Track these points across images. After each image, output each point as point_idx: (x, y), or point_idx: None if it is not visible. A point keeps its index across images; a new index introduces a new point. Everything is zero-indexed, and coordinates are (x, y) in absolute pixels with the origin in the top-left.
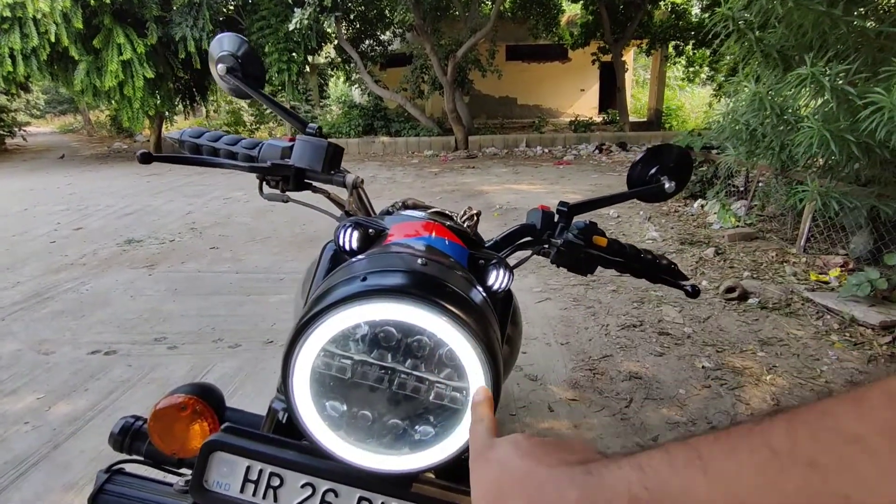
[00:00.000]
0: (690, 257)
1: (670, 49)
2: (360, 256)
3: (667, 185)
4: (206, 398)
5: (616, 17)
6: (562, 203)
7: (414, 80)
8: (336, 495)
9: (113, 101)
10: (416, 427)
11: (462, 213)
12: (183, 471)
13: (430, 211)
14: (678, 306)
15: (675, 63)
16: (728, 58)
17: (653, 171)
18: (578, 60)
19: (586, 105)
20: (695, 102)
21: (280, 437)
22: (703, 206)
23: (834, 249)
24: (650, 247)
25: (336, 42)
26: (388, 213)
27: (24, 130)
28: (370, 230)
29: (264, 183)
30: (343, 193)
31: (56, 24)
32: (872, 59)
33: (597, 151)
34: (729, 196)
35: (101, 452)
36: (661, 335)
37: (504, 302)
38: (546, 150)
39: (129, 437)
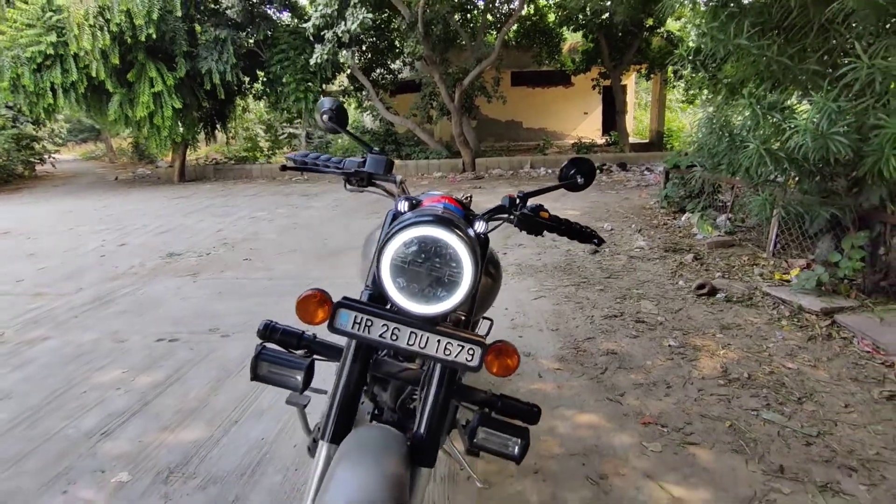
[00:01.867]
0: (672, 262)
1: (669, 73)
2: (409, 213)
3: (579, 180)
4: (324, 293)
5: (615, 44)
6: (520, 192)
7: (423, 106)
8: (398, 331)
9: (143, 130)
10: (438, 292)
11: (463, 195)
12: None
13: (444, 193)
14: (655, 301)
15: (674, 87)
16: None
17: (573, 171)
18: (581, 85)
19: (590, 127)
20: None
21: (369, 303)
22: (689, 220)
23: (804, 255)
24: (637, 254)
25: (349, 71)
26: (416, 198)
27: (53, 157)
28: (413, 201)
29: (347, 182)
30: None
31: (96, 60)
32: (801, 88)
33: (598, 171)
34: (716, 209)
35: (184, 407)
36: (637, 322)
37: (483, 243)
38: (550, 171)
39: (268, 330)
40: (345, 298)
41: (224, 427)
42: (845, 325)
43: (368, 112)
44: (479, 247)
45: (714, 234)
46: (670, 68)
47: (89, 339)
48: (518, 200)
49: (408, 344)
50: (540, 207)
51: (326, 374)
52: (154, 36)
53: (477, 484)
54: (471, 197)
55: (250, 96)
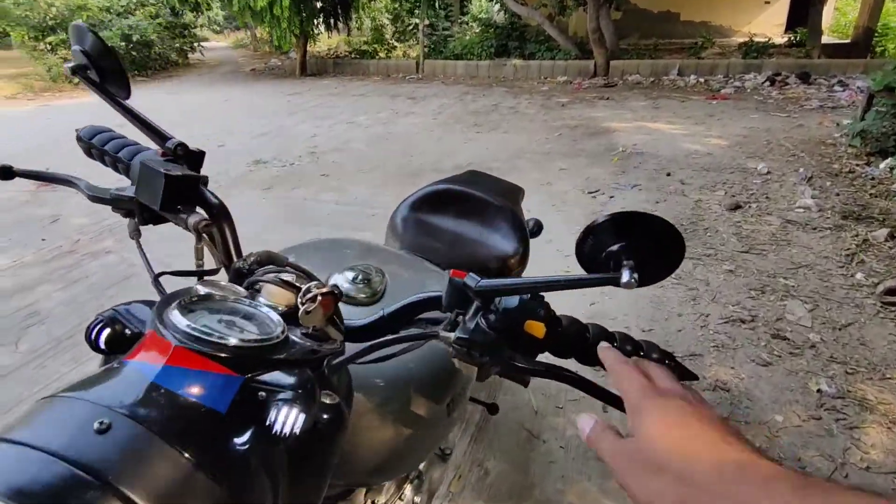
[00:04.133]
0: (850, 238)
1: None
2: (64, 390)
3: (624, 279)
4: None
5: None
6: (472, 276)
7: None
8: None
9: (265, 21)
10: None
11: (305, 289)
12: None
13: (278, 276)
14: (811, 303)
15: None
16: None
17: (614, 248)
18: None
19: (770, 22)
20: None
21: None
22: (891, 169)
23: None
24: (798, 218)
25: None
26: (239, 272)
27: (202, 46)
28: (127, 330)
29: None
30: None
31: None
32: None
33: (767, 83)
34: None
35: None
36: (774, 338)
37: (326, 439)
38: (702, 80)
39: None
40: None
41: None
42: None
43: (496, 2)
44: (270, 470)
45: None
46: None
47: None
48: (473, 290)
49: None
50: (529, 307)
51: None
52: None
53: None
54: (333, 294)
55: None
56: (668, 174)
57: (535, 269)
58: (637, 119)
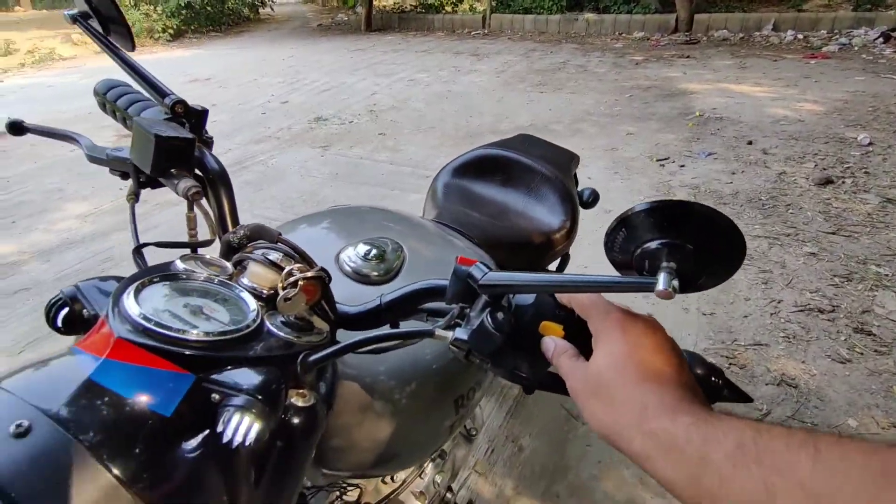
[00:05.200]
0: None
1: None
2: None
3: (661, 287)
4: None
5: None
6: (480, 266)
7: None
8: None
9: None
10: None
11: (286, 272)
12: None
13: (264, 255)
14: None
15: None
16: None
17: (652, 246)
18: None
19: None
20: None
21: None
22: None
23: None
24: None
25: None
26: (229, 245)
27: (272, 1)
28: (85, 311)
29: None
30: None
31: None
32: None
33: (880, 40)
34: None
35: None
36: (856, 332)
37: (298, 442)
38: (800, 37)
39: None
40: None
41: None
42: None
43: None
44: (230, 477)
45: None
46: None
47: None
48: (479, 286)
49: None
50: (546, 306)
51: None
52: None
53: None
54: (320, 278)
55: None
56: (750, 142)
57: (587, 243)
58: (719, 80)
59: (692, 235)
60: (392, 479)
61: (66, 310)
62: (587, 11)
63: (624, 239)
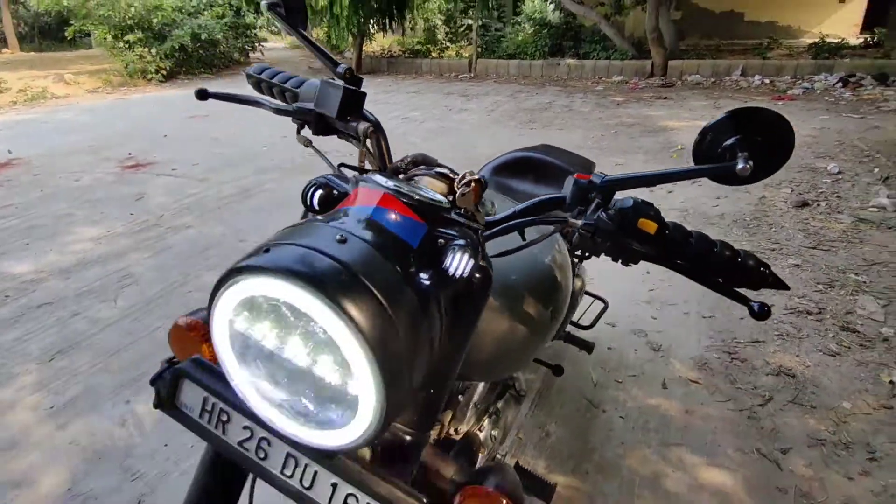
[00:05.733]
0: None
1: None
2: (309, 218)
3: (740, 165)
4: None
5: None
6: (597, 174)
7: None
8: (269, 444)
9: (324, 21)
10: (317, 408)
11: (461, 177)
12: None
13: (433, 170)
14: (884, 299)
15: None
16: None
17: (729, 142)
18: None
19: (844, 22)
20: None
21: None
22: None
23: None
24: (872, 217)
25: None
26: (396, 169)
27: (262, 46)
28: (335, 191)
29: (306, 125)
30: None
31: None
32: None
33: (839, 85)
34: None
35: None
36: (843, 330)
37: (482, 282)
38: (767, 81)
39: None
40: (194, 361)
41: None
42: None
43: (551, 1)
44: (441, 314)
45: None
46: None
47: (219, 232)
48: (595, 191)
49: (282, 472)
50: (640, 209)
51: None
52: None
53: None
54: (479, 181)
55: None
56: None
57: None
58: (696, 118)
59: (758, 131)
60: (456, 431)
61: (319, 192)
62: (568, 57)
63: (708, 143)
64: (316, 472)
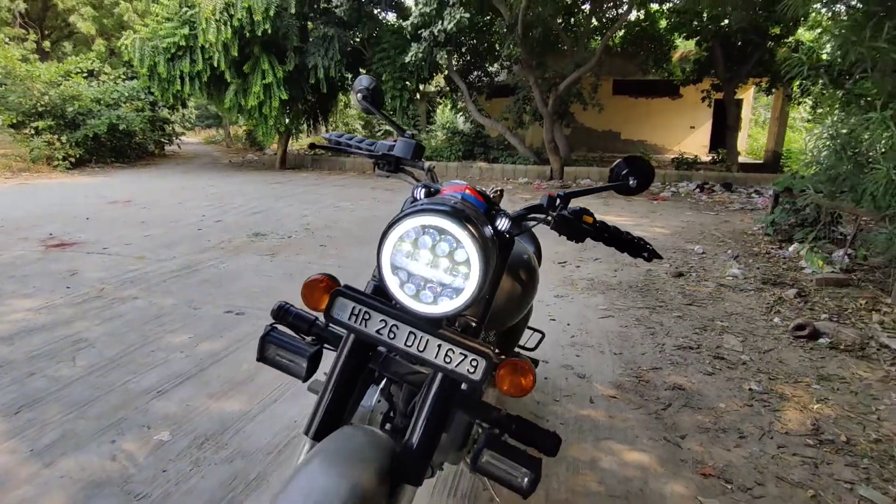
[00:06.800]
0: (769, 296)
1: (795, 88)
2: (421, 201)
3: (631, 183)
4: (333, 279)
5: (732, 54)
6: (560, 190)
7: (516, 110)
8: (396, 329)
9: (253, 118)
10: (443, 292)
11: (492, 189)
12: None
13: (469, 184)
14: (741, 337)
15: (799, 103)
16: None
17: (625, 172)
18: (690, 97)
19: (696, 143)
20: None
21: (370, 295)
22: (797, 251)
23: None
24: (729, 283)
25: (446, 73)
26: (438, 185)
27: (180, 139)
28: (431, 189)
29: (376, 166)
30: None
31: (218, 52)
32: None
33: (697, 190)
34: (833, 243)
35: (233, 379)
36: (715, 359)
37: (507, 243)
38: None
39: (281, 311)
40: (346, 287)
41: (264, 403)
42: None
43: (461, 114)
44: (498, 246)
45: (826, 270)
46: (796, 83)
47: (170, 303)
48: (559, 200)
49: (405, 344)
50: (584, 211)
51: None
52: (269, 31)
53: None
54: (501, 191)
55: (351, 92)
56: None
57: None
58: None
59: (638, 167)
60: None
61: (424, 189)
62: (479, 160)
63: (615, 172)
64: (427, 340)
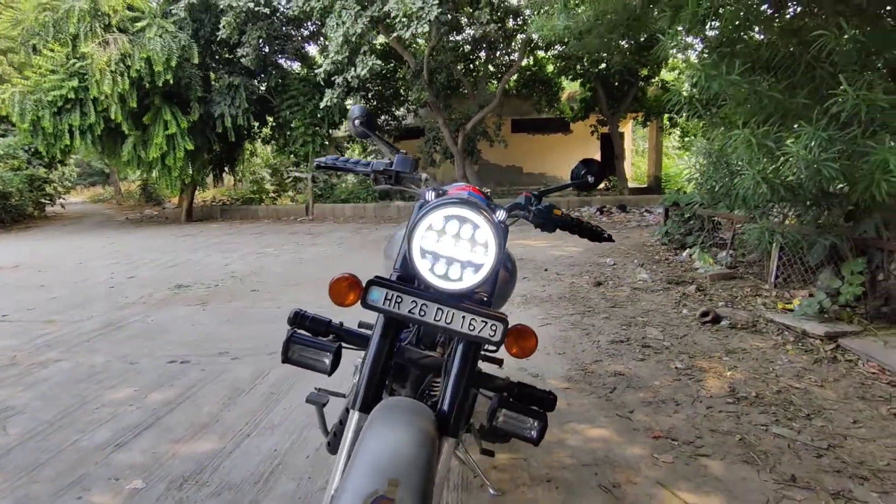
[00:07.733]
0: (675, 293)
1: (665, 121)
2: (437, 199)
3: (590, 179)
4: (355, 277)
5: (612, 92)
6: (534, 191)
7: (427, 150)
8: (426, 307)
9: (154, 171)
10: (464, 271)
11: (484, 188)
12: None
13: (468, 185)
14: (660, 328)
15: (670, 133)
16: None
17: (583, 172)
18: (579, 132)
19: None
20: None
21: (399, 282)
22: (690, 255)
23: (805, 287)
24: (641, 286)
25: None
26: (444, 188)
27: (63, 199)
28: (439, 191)
29: (375, 181)
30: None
31: (115, 104)
32: (792, 121)
33: (598, 213)
34: (717, 247)
35: (197, 422)
36: (643, 347)
37: (503, 232)
38: None
39: (298, 317)
40: (377, 277)
41: (236, 440)
42: (850, 349)
43: (373, 156)
44: (499, 231)
45: (716, 268)
46: (665, 116)
47: (101, 361)
48: (533, 198)
49: (434, 319)
50: (553, 206)
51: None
52: (171, 81)
53: (490, 491)
54: (489, 192)
55: (259, 140)
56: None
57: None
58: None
59: (593, 166)
60: None
61: (434, 192)
62: (396, 199)
63: (575, 172)
64: (453, 314)
